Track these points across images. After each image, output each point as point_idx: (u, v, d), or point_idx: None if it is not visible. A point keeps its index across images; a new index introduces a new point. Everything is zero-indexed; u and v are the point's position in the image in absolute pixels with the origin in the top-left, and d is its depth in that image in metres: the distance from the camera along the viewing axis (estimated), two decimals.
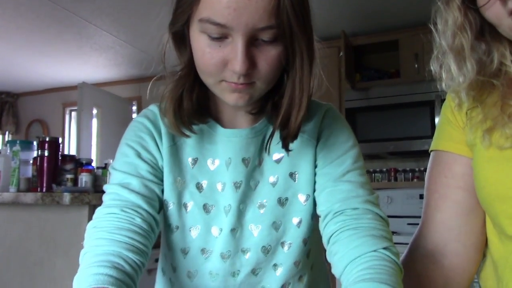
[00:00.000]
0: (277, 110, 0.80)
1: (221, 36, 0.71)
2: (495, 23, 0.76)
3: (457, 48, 0.80)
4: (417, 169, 3.88)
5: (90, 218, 2.37)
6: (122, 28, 4.03)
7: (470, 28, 0.79)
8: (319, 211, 0.85)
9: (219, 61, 0.73)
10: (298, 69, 0.76)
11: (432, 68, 0.85)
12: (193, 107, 0.81)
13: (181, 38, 0.80)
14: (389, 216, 3.25)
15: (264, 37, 0.72)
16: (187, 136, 0.82)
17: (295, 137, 0.80)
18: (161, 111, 0.83)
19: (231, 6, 0.68)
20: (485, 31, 0.81)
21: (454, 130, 0.88)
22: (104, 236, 0.75)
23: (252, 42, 0.72)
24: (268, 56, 0.73)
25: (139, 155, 0.84)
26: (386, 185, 3.80)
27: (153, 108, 0.89)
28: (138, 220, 0.78)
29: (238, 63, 0.71)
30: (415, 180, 3.78)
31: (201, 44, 0.73)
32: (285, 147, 0.81)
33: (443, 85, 0.84)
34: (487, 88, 0.82)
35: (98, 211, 0.80)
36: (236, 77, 0.73)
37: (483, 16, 0.77)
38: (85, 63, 4.97)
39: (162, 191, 0.85)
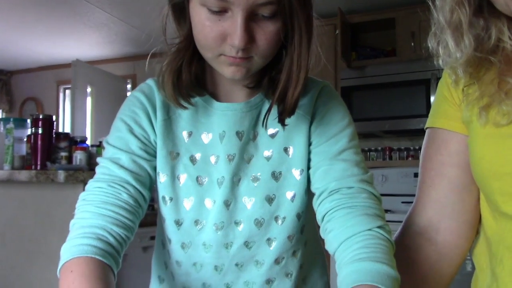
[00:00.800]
0: (274, 85, 0.82)
1: (221, 10, 0.72)
2: None
3: (455, 23, 0.79)
4: (412, 147, 3.89)
5: None
6: (116, 5, 3.98)
7: (468, 4, 0.78)
8: (313, 188, 0.86)
9: (218, 35, 0.73)
10: (297, 45, 0.77)
11: (429, 44, 0.84)
12: (191, 80, 0.82)
13: (180, 11, 0.80)
14: (384, 195, 3.27)
15: (263, 13, 0.72)
16: (185, 108, 0.83)
17: (292, 112, 0.81)
18: (159, 83, 0.84)
19: None
20: (484, 7, 0.80)
21: (450, 107, 0.87)
22: (91, 209, 0.78)
23: (251, 17, 0.72)
24: (267, 32, 0.74)
25: (131, 130, 0.86)
26: (381, 164, 3.82)
27: (150, 82, 0.90)
28: (125, 196, 0.80)
29: (237, 37, 0.71)
30: (410, 159, 3.80)
31: (201, 17, 0.74)
32: (281, 121, 0.82)
33: (440, 61, 0.83)
34: (485, 65, 0.81)
35: (89, 184, 0.83)
36: (234, 51, 0.73)
37: None
38: (79, 41, 4.93)
39: (154, 167, 0.87)
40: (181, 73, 0.81)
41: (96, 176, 0.83)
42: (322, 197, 0.83)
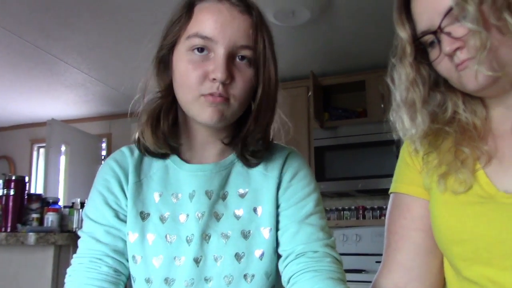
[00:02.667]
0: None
1: (205, 49, 0.83)
2: (446, 76, 0.81)
3: (410, 102, 0.85)
4: (384, 206, 3.93)
5: (55, 259, 2.33)
6: (94, 66, 4.04)
7: (422, 83, 0.85)
8: (280, 250, 0.91)
9: (200, 74, 0.83)
10: (266, 92, 0.89)
11: (391, 118, 0.90)
12: (169, 128, 0.91)
13: (164, 65, 0.90)
14: (358, 254, 3.25)
15: (242, 54, 0.84)
16: (161, 155, 0.92)
17: (255, 152, 0.92)
18: (139, 130, 0.92)
19: (218, 21, 0.84)
20: (440, 83, 0.87)
21: (412, 173, 0.92)
22: (76, 286, 0.88)
23: (231, 59, 0.84)
24: (243, 74, 0.85)
25: (105, 200, 0.93)
26: (355, 223, 3.84)
27: (124, 149, 0.98)
28: (105, 269, 0.89)
29: (219, 70, 0.82)
30: (383, 218, 3.82)
31: (185, 62, 0.85)
32: (247, 162, 0.92)
33: (400, 134, 0.89)
34: (442, 134, 0.87)
35: (73, 259, 0.92)
36: (215, 87, 0.82)
37: (436, 70, 0.82)
38: (55, 100, 4.94)
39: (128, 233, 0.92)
40: (160, 119, 0.90)
41: (78, 251, 0.92)
42: (289, 260, 0.88)
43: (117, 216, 0.92)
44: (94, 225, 0.92)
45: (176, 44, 0.88)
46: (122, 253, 0.91)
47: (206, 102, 0.84)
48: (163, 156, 0.94)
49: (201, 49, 0.84)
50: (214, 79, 0.82)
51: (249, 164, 0.94)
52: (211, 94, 0.83)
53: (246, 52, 0.85)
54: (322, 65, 4.01)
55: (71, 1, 2.94)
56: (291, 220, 0.91)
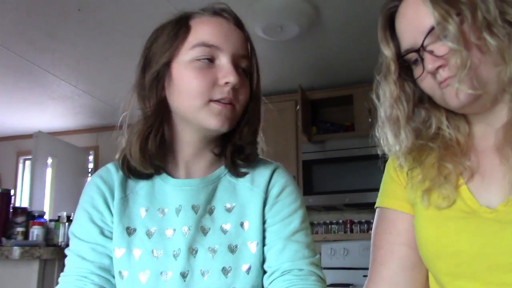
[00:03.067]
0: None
1: (211, 58, 0.87)
2: (429, 93, 0.83)
3: (394, 118, 0.87)
4: (372, 220, 3.87)
5: (40, 274, 2.30)
6: (81, 78, 4.03)
7: (406, 100, 0.86)
8: (266, 266, 0.91)
9: (210, 80, 0.86)
10: (256, 100, 0.94)
11: (376, 134, 0.91)
12: (157, 148, 0.91)
13: (155, 83, 0.91)
14: (345, 268, 3.25)
15: (242, 65, 0.91)
16: (147, 175, 0.93)
17: (248, 156, 0.95)
18: (127, 150, 0.92)
19: (221, 31, 0.89)
20: (425, 99, 0.88)
21: (397, 188, 0.93)
22: None
23: (235, 68, 0.88)
24: (245, 83, 0.92)
25: (91, 218, 0.93)
26: (342, 237, 3.85)
27: (109, 165, 0.99)
28: (91, 287, 0.89)
29: (232, 74, 0.86)
30: (371, 231, 3.81)
31: (190, 72, 0.87)
32: (235, 171, 0.95)
33: (385, 149, 0.90)
34: (426, 150, 0.88)
35: (61, 277, 0.93)
36: (226, 91, 0.86)
37: (420, 87, 0.84)
38: (42, 112, 4.91)
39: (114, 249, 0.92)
40: (148, 140, 0.90)
41: (65, 269, 0.93)
42: (274, 276, 0.89)
43: (102, 233, 0.93)
44: (80, 243, 0.93)
45: (175, 57, 0.90)
46: (108, 270, 0.92)
47: (215, 109, 0.87)
48: (148, 176, 0.95)
49: (207, 58, 0.87)
50: (226, 82, 0.86)
51: (237, 174, 0.95)
52: (221, 101, 0.87)
53: (245, 62, 0.91)
54: (310, 79, 4.04)
55: (60, 13, 2.94)
56: (277, 237, 0.92)
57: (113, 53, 3.48)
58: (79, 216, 0.95)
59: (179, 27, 0.90)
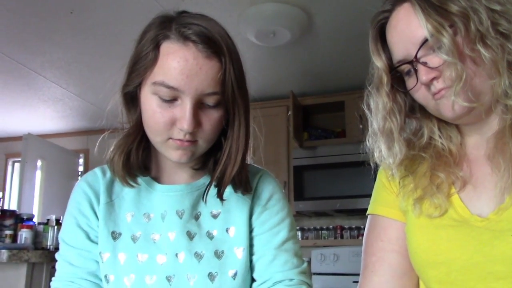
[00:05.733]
0: (216, 166, 0.91)
1: (172, 99, 0.82)
2: (423, 103, 0.83)
3: (387, 131, 0.87)
4: (362, 226, 3.94)
5: (28, 277, 2.28)
6: (72, 81, 4.01)
7: (399, 112, 0.87)
8: (255, 275, 0.93)
9: (168, 120, 0.83)
10: (236, 129, 0.88)
11: (367, 144, 0.91)
12: (138, 162, 0.91)
13: (131, 99, 0.89)
14: (335, 274, 3.24)
15: (209, 102, 0.83)
16: (132, 186, 0.92)
17: (238, 188, 0.92)
18: (110, 163, 0.92)
19: (184, 72, 0.80)
20: (416, 109, 0.89)
21: (388, 196, 0.93)
22: None
23: (198, 105, 0.83)
24: (211, 118, 0.85)
25: (77, 223, 0.94)
26: (333, 243, 3.85)
27: (96, 170, 0.99)
28: None
29: (186, 122, 0.81)
30: (361, 237, 3.82)
31: (152, 105, 0.83)
32: (220, 196, 0.91)
33: (377, 161, 0.90)
34: (418, 159, 0.88)
35: (52, 283, 0.94)
36: (182, 134, 0.83)
37: (413, 97, 0.84)
38: (32, 114, 4.88)
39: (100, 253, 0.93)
40: (130, 156, 0.90)
41: (56, 274, 0.94)
42: (265, 286, 0.91)
43: (88, 237, 0.94)
44: (68, 248, 0.94)
45: (143, 83, 0.85)
46: (96, 275, 0.93)
47: (174, 145, 0.85)
48: (131, 186, 0.93)
49: (167, 99, 0.82)
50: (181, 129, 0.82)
51: (220, 193, 0.92)
52: (179, 140, 0.84)
53: (214, 98, 0.83)
54: (302, 85, 4.05)
55: (51, 15, 2.93)
56: (266, 247, 0.93)
57: (105, 56, 3.47)
58: (66, 221, 0.96)
59: (148, 51, 0.83)
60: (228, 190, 0.94)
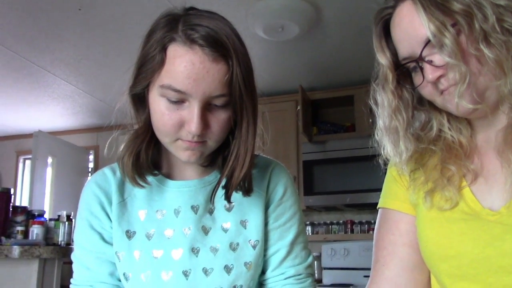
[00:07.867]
0: (224, 163, 0.91)
1: (179, 101, 0.82)
2: (430, 99, 0.82)
3: (393, 129, 0.86)
4: (373, 221, 3.93)
5: (40, 272, 2.30)
6: (82, 78, 4.02)
7: (405, 108, 0.86)
8: (269, 269, 0.97)
9: (176, 122, 0.83)
10: (244, 130, 0.88)
11: (376, 137, 0.90)
12: (148, 162, 0.92)
13: (139, 99, 0.89)
14: (346, 269, 3.25)
15: (217, 103, 0.83)
16: (142, 187, 0.92)
17: (240, 188, 0.91)
18: (119, 164, 0.92)
19: (191, 76, 0.80)
20: (425, 101, 0.88)
21: (399, 189, 0.92)
22: None
23: (206, 107, 0.83)
24: (219, 119, 0.85)
25: (91, 225, 0.95)
26: (343, 237, 3.85)
27: (106, 169, 0.99)
28: None
29: (194, 125, 0.81)
30: (371, 232, 3.83)
31: (160, 107, 0.83)
32: (227, 198, 0.91)
33: (385, 158, 0.90)
34: (428, 152, 0.87)
35: (71, 286, 0.95)
36: (191, 136, 0.83)
37: (421, 93, 0.83)
38: (42, 112, 4.91)
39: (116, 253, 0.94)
40: (140, 156, 0.90)
41: (74, 277, 0.96)
42: (277, 279, 0.95)
43: (102, 238, 0.94)
44: (83, 253, 0.95)
45: (150, 84, 0.85)
46: (114, 275, 0.94)
47: (183, 145, 0.85)
48: (141, 186, 0.93)
49: (175, 101, 0.82)
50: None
51: (228, 195, 0.92)
52: (188, 141, 0.84)
53: (222, 100, 0.83)
54: (311, 80, 4.03)
55: (59, 13, 2.93)
56: (281, 242, 0.97)
57: (114, 52, 3.48)
58: (79, 225, 0.97)
59: (155, 53, 0.83)
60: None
